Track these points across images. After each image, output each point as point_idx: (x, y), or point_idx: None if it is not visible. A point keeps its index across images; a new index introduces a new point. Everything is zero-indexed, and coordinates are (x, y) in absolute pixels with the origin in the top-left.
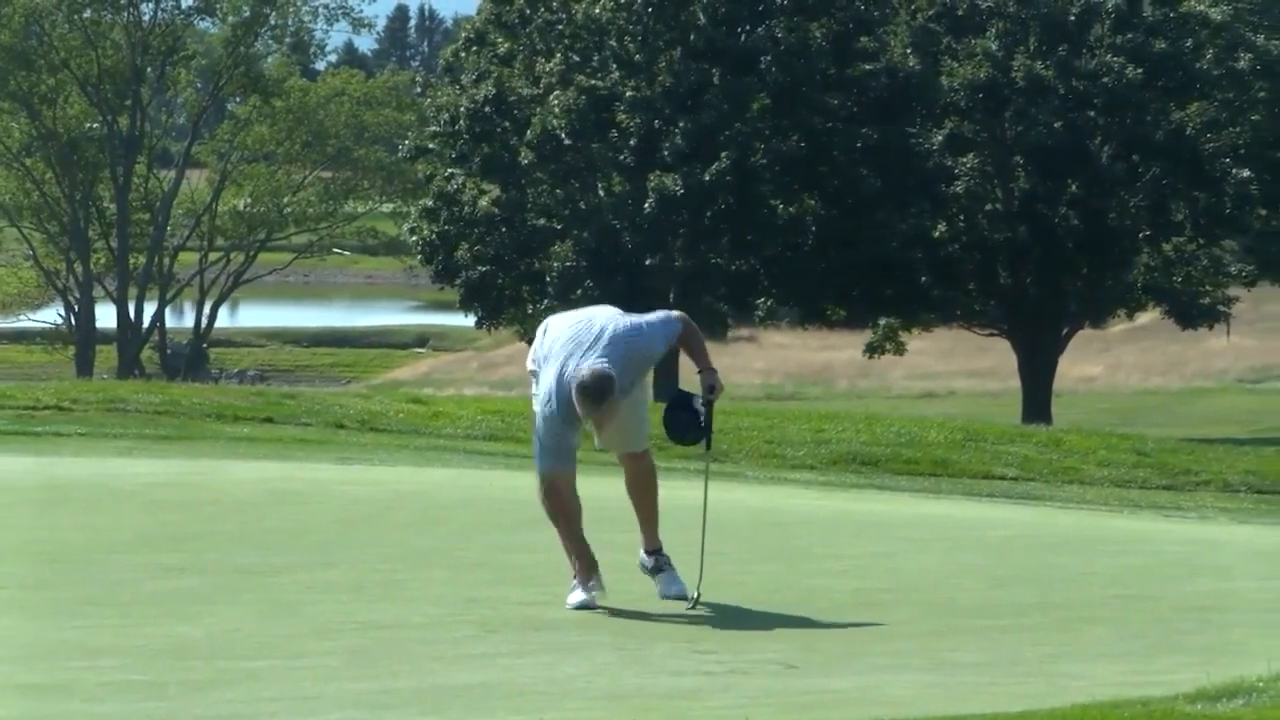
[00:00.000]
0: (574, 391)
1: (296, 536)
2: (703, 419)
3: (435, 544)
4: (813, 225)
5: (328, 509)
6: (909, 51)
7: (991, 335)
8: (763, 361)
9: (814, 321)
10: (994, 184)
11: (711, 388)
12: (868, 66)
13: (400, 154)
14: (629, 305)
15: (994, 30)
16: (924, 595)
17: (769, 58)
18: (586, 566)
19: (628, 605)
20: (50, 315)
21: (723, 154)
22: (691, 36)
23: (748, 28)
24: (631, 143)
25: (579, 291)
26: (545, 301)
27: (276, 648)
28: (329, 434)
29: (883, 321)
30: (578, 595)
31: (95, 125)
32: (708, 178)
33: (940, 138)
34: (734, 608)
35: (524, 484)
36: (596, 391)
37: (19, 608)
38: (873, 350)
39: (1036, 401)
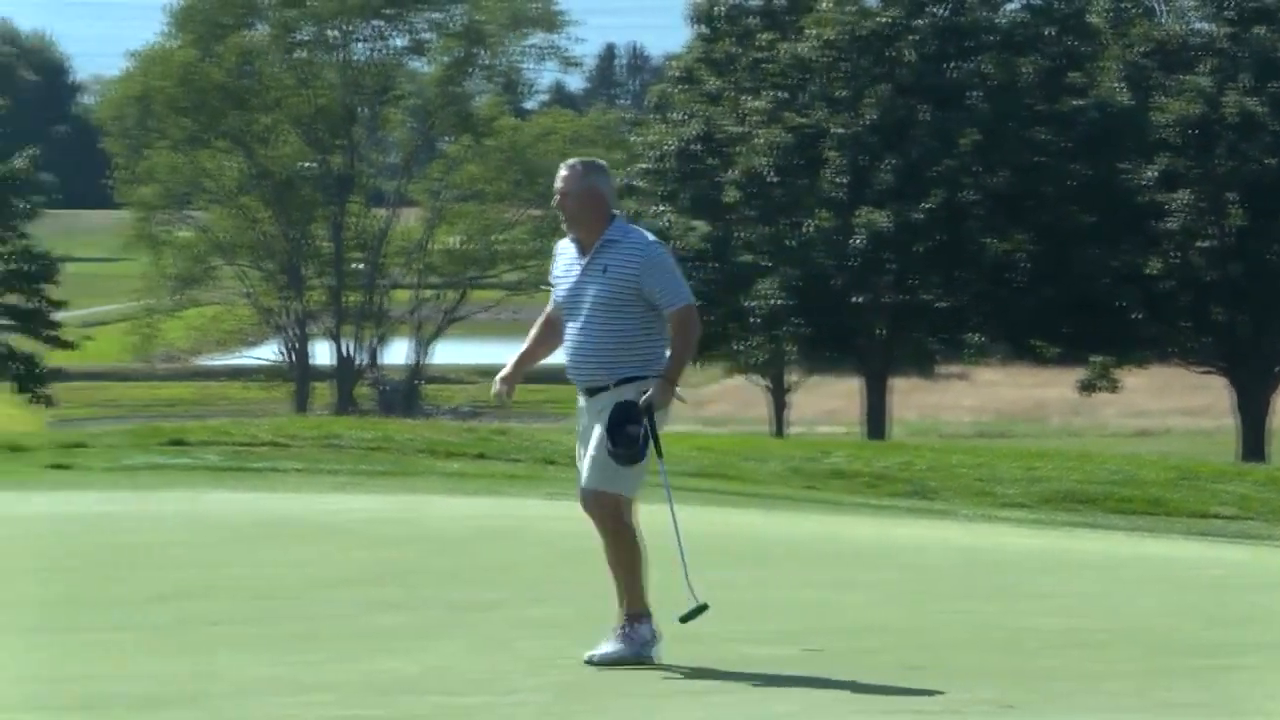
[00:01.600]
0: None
1: (507, 572)
2: (641, 435)
3: (648, 580)
4: (1023, 261)
5: (537, 545)
6: (1119, 86)
7: (1207, 372)
8: (973, 399)
9: (1025, 358)
10: (1207, 220)
11: (650, 405)
12: (1077, 102)
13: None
14: (837, 343)
15: (1206, 66)
16: (1139, 635)
17: (977, 93)
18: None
19: (829, 641)
20: (267, 352)
21: (932, 190)
22: (899, 72)
23: (955, 63)
24: (839, 179)
25: (784, 328)
26: (751, 338)
27: (488, 683)
28: (539, 469)
29: (1097, 359)
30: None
31: (309, 164)
32: (917, 214)
33: (1152, 174)
34: (946, 646)
35: (732, 519)
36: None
37: (234, 643)
38: (1086, 387)
39: (1253, 439)
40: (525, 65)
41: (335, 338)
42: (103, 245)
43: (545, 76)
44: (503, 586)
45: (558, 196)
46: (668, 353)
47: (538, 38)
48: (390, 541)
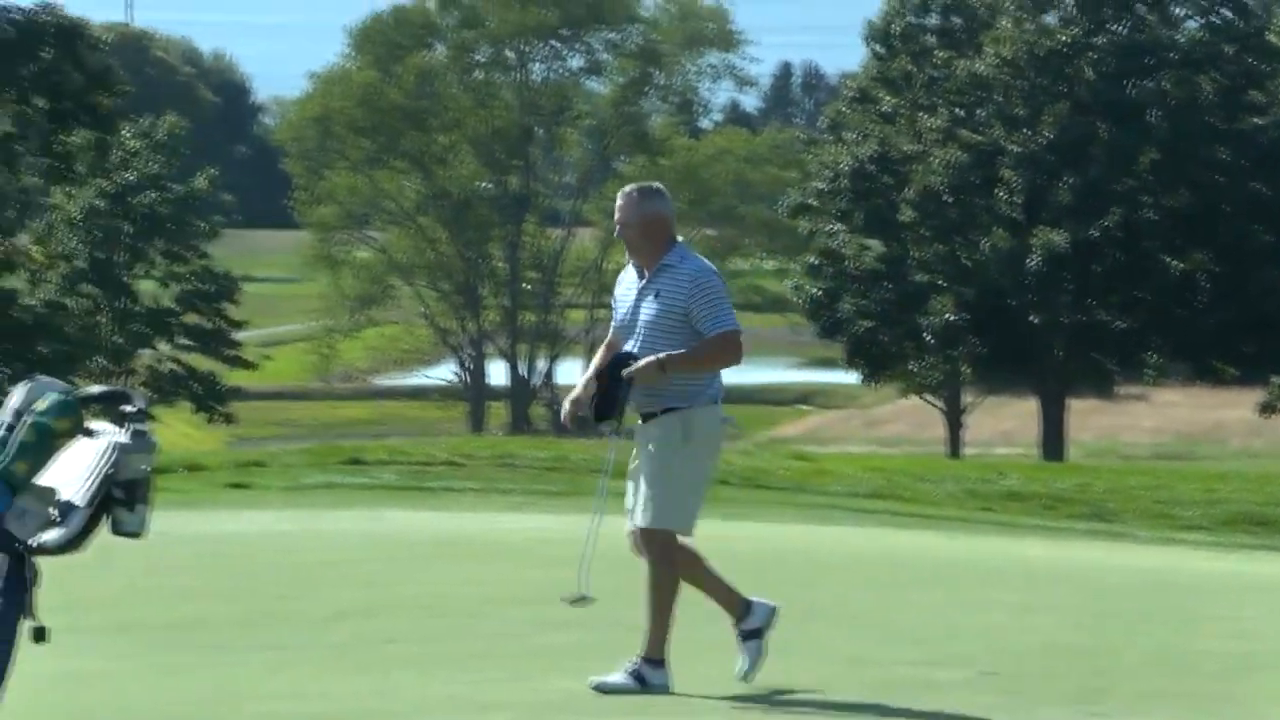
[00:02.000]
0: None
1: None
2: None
3: (821, 601)
4: (1202, 281)
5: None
6: None
7: None
8: (1152, 420)
9: (1204, 379)
10: None
11: (630, 376)
12: (1257, 120)
13: (782, 211)
14: (1014, 363)
15: None
16: None
17: (1156, 111)
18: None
19: (1007, 664)
20: (444, 372)
21: (1110, 209)
22: (1077, 90)
23: (1134, 81)
24: (1015, 198)
25: (960, 348)
26: (927, 358)
27: (661, 704)
28: (712, 490)
29: (1277, 379)
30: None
31: (486, 184)
32: (1095, 233)
33: None
34: (1125, 669)
35: (910, 542)
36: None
37: (410, 661)
38: (1267, 409)
39: None
40: (701, 85)
41: (510, 357)
42: (282, 265)
43: (720, 96)
44: (679, 609)
45: (618, 227)
46: (715, 385)
47: (713, 57)
48: (564, 561)
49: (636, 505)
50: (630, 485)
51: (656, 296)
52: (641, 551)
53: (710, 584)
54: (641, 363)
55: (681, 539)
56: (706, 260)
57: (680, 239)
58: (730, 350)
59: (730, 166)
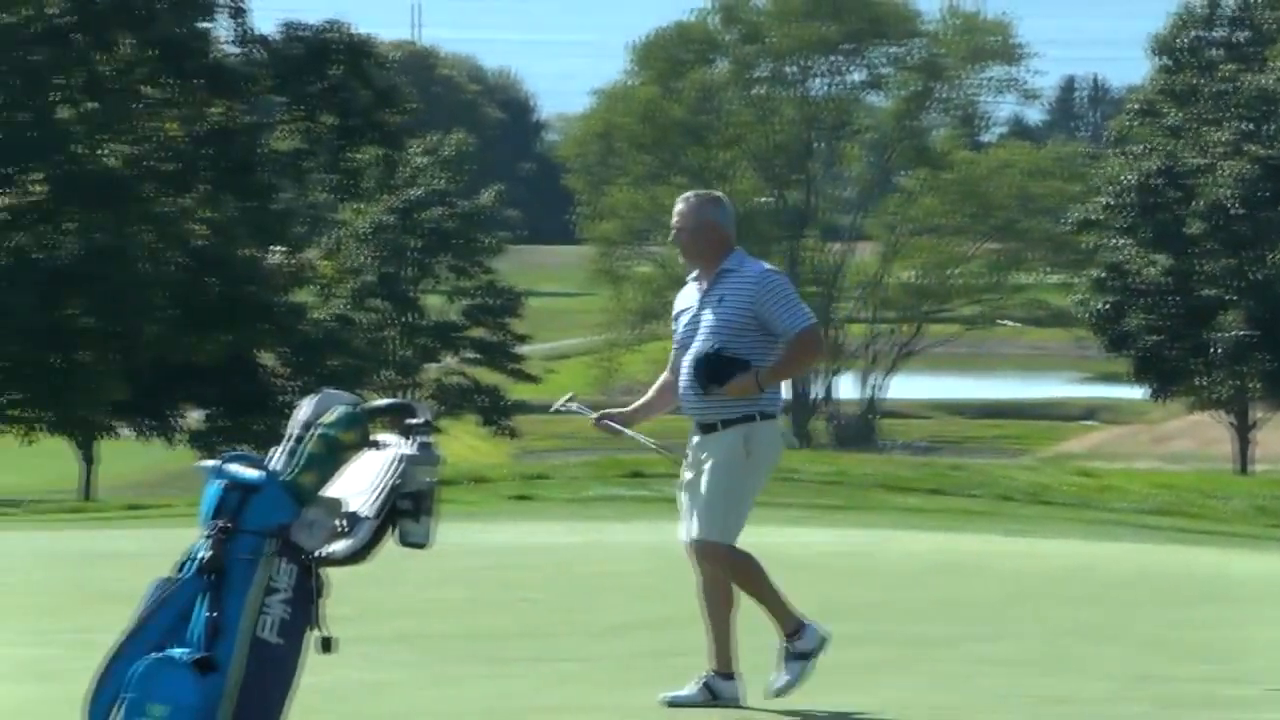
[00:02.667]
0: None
1: (965, 608)
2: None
3: (1106, 618)
4: None
5: (996, 581)
6: None
7: None
8: None
9: None
10: None
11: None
12: None
13: (1066, 225)
14: None
15: None
16: None
17: None
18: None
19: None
20: None
21: None
22: None
23: None
24: None
25: (1249, 364)
26: (1214, 373)
27: (949, 719)
28: (996, 505)
29: None
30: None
31: (766, 199)
32: None
33: None
34: None
35: (1197, 559)
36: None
37: (687, 677)
38: None
39: None
40: (983, 98)
41: None
42: (565, 280)
43: (1003, 109)
44: (961, 622)
45: (674, 231)
46: (775, 398)
47: (996, 70)
48: (846, 576)
49: (693, 518)
50: (685, 496)
51: (720, 302)
52: (697, 562)
53: (767, 597)
54: (739, 378)
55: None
56: (768, 263)
57: (739, 247)
58: (813, 348)
59: (1013, 180)
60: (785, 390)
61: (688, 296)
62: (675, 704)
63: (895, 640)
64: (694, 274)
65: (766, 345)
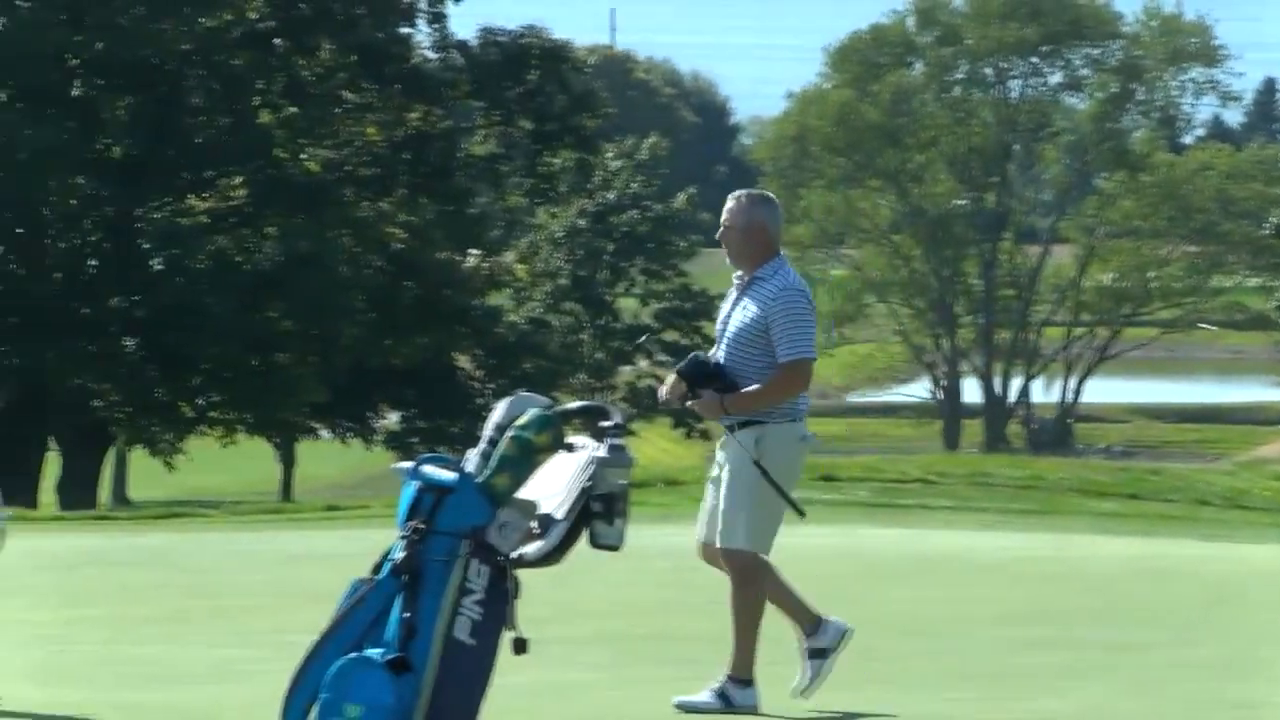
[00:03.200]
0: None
1: (1161, 613)
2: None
3: None
4: None
5: (1193, 586)
6: None
7: None
8: None
9: None
10: None
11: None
12: None
13: (1266, 229)
14: None
15: None
16: None
17: None
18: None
19: None
20: (917, 390)
21: None
22: None
23: None
24: None
25: None
26: None
27: None
28: (1193, 510)
29: None
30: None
31: (962, 202)
32: None
33: None
34: None
35: None
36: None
37: (887, 679)
38: None
39: None
40: (1183, 100)
41: (985, 375)
42: None
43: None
44: (1157, 627)
45: (722, 229)
46: (798, 401)
47: (1196, 72)
48: (1041, 580)
49: (715, 523)
50: (710, 493)
51: (745, 308)
52: (715, 564)
53: (782, 597)
54: (704, 399)
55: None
56: (800, 279)
57: (782, 253)
58: (795, 383)
59: (1213, 182)
60: (976, 393)
61: (729, 298)
62: (687, 709)
63: (1089, 645)
64: (739, 274)
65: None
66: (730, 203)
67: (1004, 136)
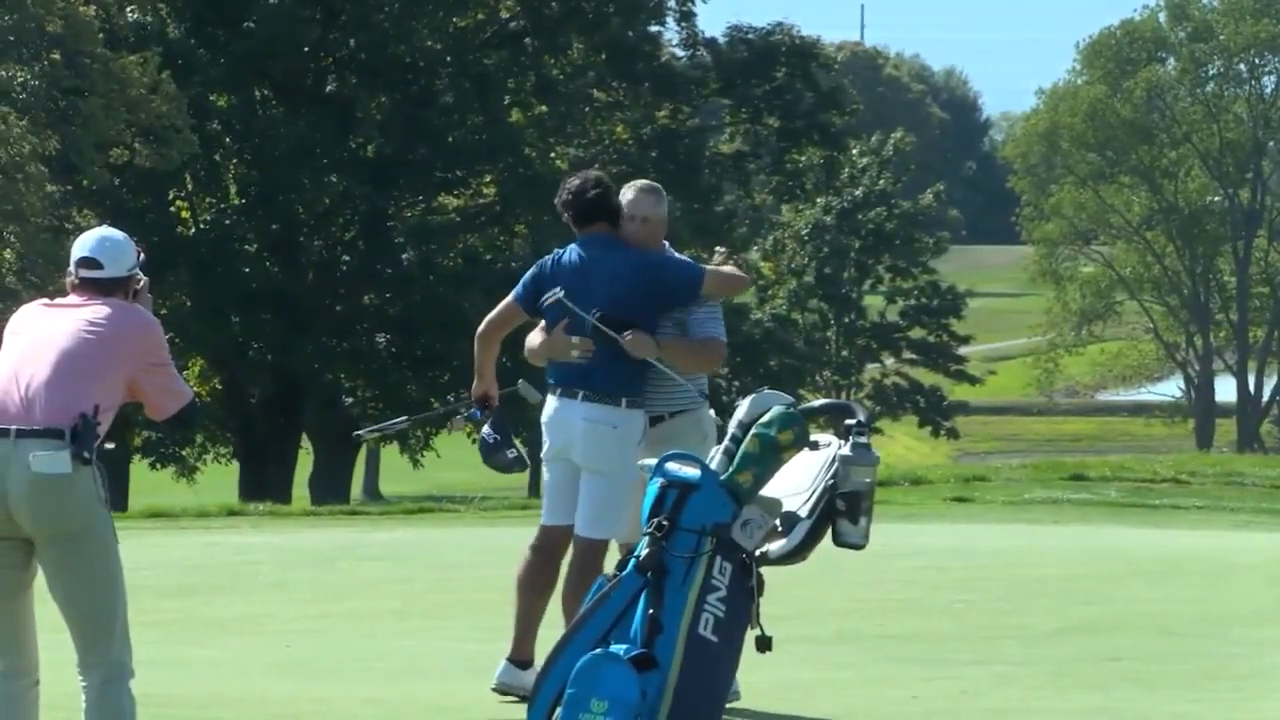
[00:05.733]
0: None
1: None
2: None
3: None
4: None
5: None
6: None
7: None
8: None
9: None
10: None
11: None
12: None
13: None
14: None
15: None
16: None
17: None
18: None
19: None
20: (1169, 388)
21: None
22: None
23: None
24: None
25: None
26: None
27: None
28: None
29: None
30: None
31: (1216, 199)
32: None
33: None
34: None
35: None
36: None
37: (1136, 679)
38: None
39: None
40: None
41: (1238, 373)
42: (1008, 280)
43: None
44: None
45: (640, 220)
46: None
47: None
48: None
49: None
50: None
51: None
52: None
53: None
54: (637, 337)
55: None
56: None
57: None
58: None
59: None
60: (1229, 392)
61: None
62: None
63: None
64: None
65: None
66: (648, 196)
67: (1258, 133)
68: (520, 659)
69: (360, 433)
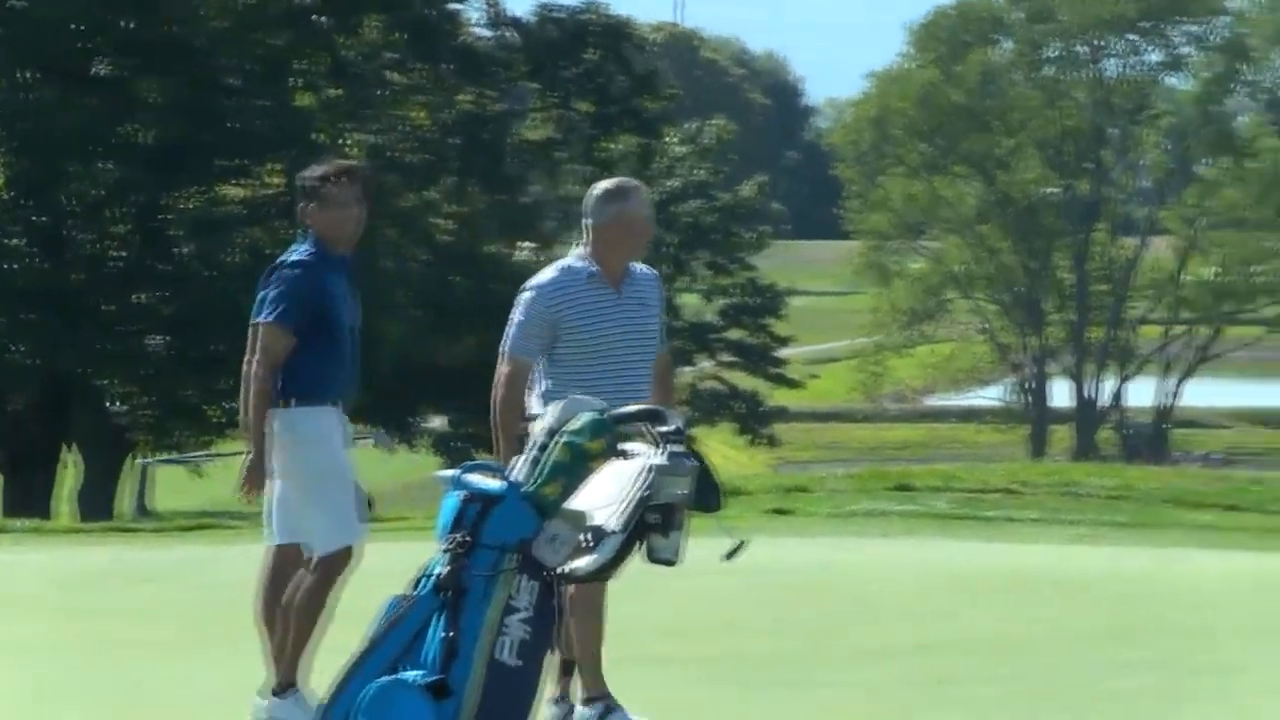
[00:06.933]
0: None
1: (1261, 634)
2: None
3: None
4: None
5: None
6: None
7: None
8: None
9: None
10: None
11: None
12: None
13: None
14: None
15: None
16: None
17: None
18: None
19: None
20: (1001, 392)
21: None
22: None
23: None
24: None
25: None
26: None
27: None
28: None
29: None
30: None
31: (1053, 190)
32: None
33: None
34: None
35: None
36: None
37: (965, 704)
38: None
39: None
40: None
41: (1075, 377)
42: (832, 278)
43: None
44: (1260, 649)
45: (644, 224)
46: None
47: None
48: (1132, 598)
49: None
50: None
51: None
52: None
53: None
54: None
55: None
56: None
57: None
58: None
59: None
60: (1065, 396)
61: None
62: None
63: (1187, 667)
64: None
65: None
66: (641, 194)
67: (1099, 120)
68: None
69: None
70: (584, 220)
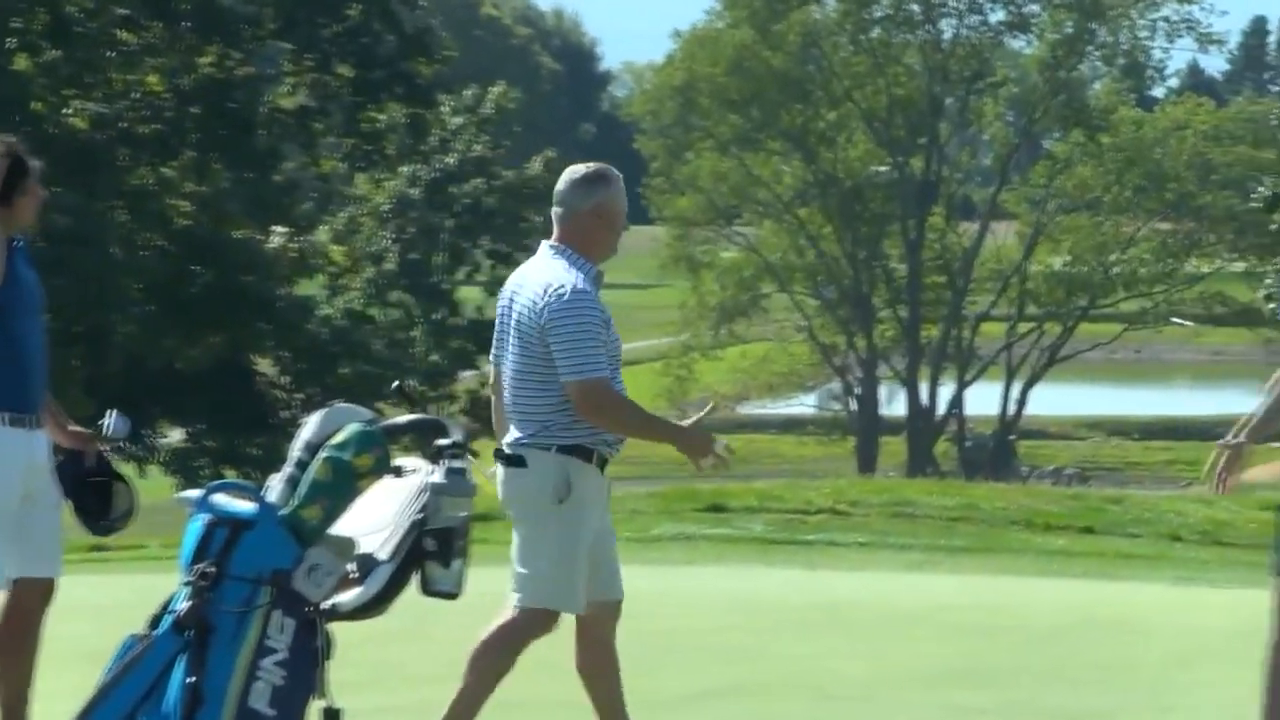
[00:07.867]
0: None
1: (1122, 674)
2: None
3: None
4: None
5: (1161, 640)
6: None
7: None
8: None
9: None
10: None
11: None
12: None
13: (1254, 200)
14: None
15: None
16: None
17: None
18: None
19: None
20: (825, 399)
21: None
22: None
23: None
24: None
25: None
26: None
27: None
28: (1163, 548)
29: None
30: None
31: (883, 169)
32: None
33: None
34: None
35: None
36: None
37: None
38: None
39: None
40: (1152, 44)
41: (909, 382)
42: (634, 269)
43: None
44: (1117, 690)
45: (622, 219)
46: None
47: (1168, 9)
48: (975, 632)
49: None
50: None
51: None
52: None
53: None
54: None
55: None
56: None
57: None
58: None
59: (1189, 144)
60: (898, 404)
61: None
62: None
63: (1031, 711)
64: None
65: None
66: (621, 184)
67: (934, 89)
68: None
69: None
70: (555, 209)
